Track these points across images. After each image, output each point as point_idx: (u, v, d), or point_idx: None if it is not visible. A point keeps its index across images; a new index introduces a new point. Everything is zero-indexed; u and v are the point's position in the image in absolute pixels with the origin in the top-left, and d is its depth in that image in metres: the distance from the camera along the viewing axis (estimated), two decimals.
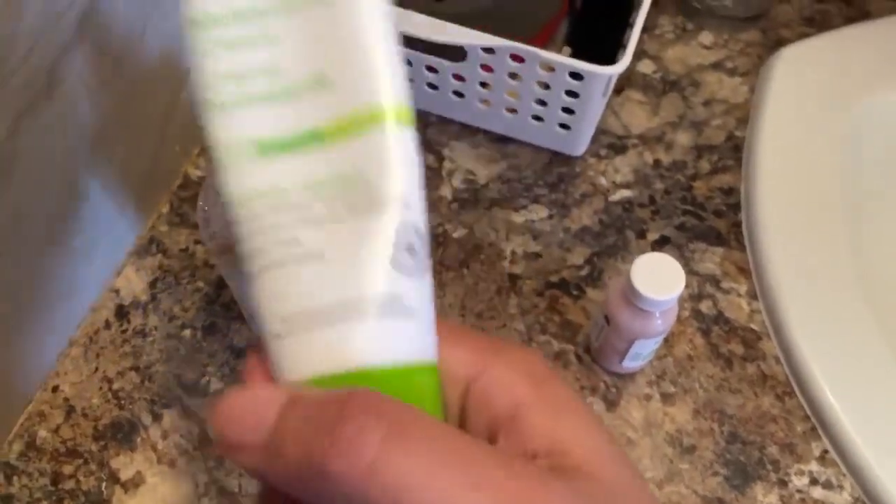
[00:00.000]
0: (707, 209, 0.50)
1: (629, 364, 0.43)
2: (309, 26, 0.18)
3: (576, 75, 0.45)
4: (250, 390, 0.17)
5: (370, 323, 0.17)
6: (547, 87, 0.47)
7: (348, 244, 0.18)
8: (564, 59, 0.44)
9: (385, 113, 0.18)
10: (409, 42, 0.46)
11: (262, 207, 0.18)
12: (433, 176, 0.52)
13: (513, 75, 0.47)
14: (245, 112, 0.18)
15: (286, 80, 0.18)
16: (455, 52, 0.47)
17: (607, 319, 0.41)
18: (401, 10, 0.46)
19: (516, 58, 0.46)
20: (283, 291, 0.18)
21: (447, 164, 0.52)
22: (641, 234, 0.50)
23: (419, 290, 0.18)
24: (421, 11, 0.47)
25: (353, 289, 0.17)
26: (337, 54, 0.18)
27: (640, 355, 0.43)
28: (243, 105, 0.18)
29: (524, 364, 0.18)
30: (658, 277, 0.38)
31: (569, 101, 0.47)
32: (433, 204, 0.51)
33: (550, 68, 0.45)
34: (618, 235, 0.50)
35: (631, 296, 0.38)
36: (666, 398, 0.44)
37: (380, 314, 0.17)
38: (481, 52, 0.46)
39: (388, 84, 0.18)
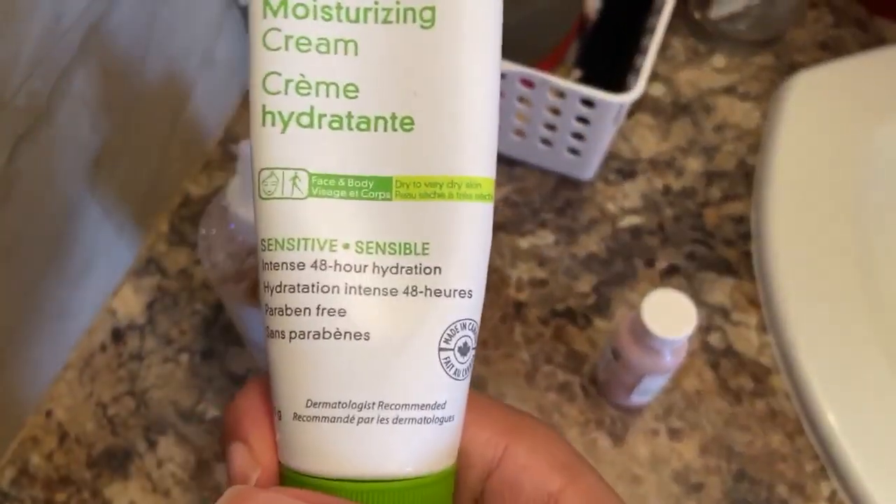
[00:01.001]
0: (717, 238, 0.50)
1: (637, 399, 0.42)
2: (402, 47, 0.15)
3: (587, 102, 0.44)
4: (253, 494, 0.14)
5: (406, 430, 0.15)
6: (557, 112, 0.46)
7: (400, 329, 0.15)
8: (575, 86, 0.43)
9: (471, 186, 0.15)
10: None
11: (307, 258, 0.15)
12: None
13: (522, 99, 0.46)
14: (305, 134, 0.15)
15: (362, 106, 0.15)
16: None
17: (615, 354, 0.40)
18: None
19: (526, 82, 0.45)
20: (317, 370, 0.15)
21: None
22: (650, 263, 0.49)
23: (461, 395, 0.16)
24: None
25: (396, 388, 0.15)
26: (429, 95, 0.15)
27: (649, 390, 0.42)
28: (304, 125, 0.15)
29: (552, 450, 0.17)
30: (670, 315, 0.37)
31: (579, 126, 0.46)
32: None
33: (561, 94, 0.44)
34: (626, 263, 0.49)
35: (641, 333, 0.37)
36: (673, 434, 0.43)
37: (419, 421, 0.15)
38: None
39: (482, 153, 0.15)
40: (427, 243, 0.15)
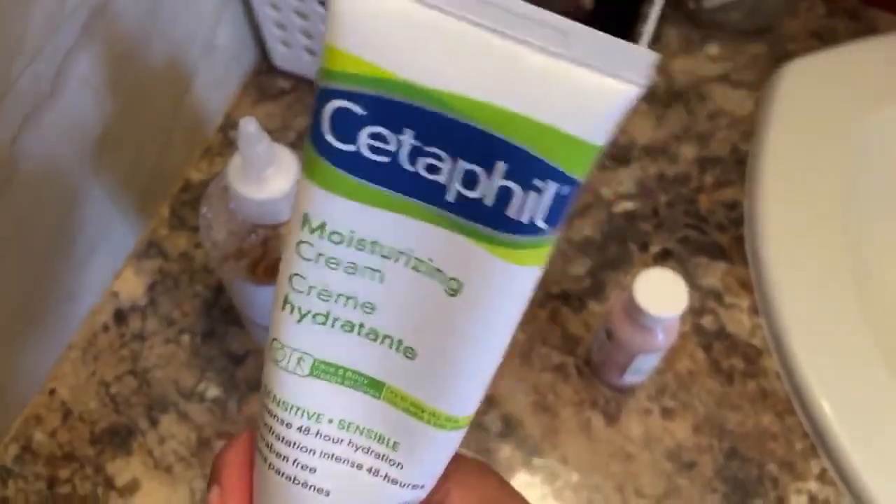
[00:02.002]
0: (710, 223, 0.50)
1: (630, 378, 0.43)
2: (424, 296, 0.16)
3: None
4: None
5: None
6: None
7: (354, 496, 0.18)
8: None
9: (449, 420, 0.17)
10: None
11: (295, 421, 0.18)
12: None
13: None
14: (316, 329, 0.17)
15: (375, 322, 0.17)
16: None
17: (609, 334, 0.41)
18: None
19: None
20: None
21: None
22: (644, 247, 0.49)
23: None
24: None
25: None
26: (438, 342, 0.16)
27: (641, 370, 0.42)
28: (318, 322, 0.17)
29: (479, 489, 0.19)
30: (661, 294, 0.37)
31: None
32: None
33: None
34: (620, 247, 0.49)
35: (634, 312, 0.38)
36: (666, 413, 0.44)
37: None
38: None
39: (469, 401, 0.17)
40: (398, 443, 0.18)
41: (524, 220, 0.15)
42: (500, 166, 0.14)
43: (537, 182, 0.14)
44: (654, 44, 0.57)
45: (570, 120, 0.14)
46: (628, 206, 0.51)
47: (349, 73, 0.14)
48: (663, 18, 0.58)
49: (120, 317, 0.47)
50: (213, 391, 0.44)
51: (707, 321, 0.47)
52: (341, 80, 0.14)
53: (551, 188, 0.14)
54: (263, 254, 0.36)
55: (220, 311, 0.47)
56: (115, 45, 0.40)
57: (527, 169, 0.14)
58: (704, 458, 0.43)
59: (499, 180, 0.14)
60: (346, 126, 0.15)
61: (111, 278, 0.47)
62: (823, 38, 0.57)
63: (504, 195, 0.14)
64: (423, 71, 0.14)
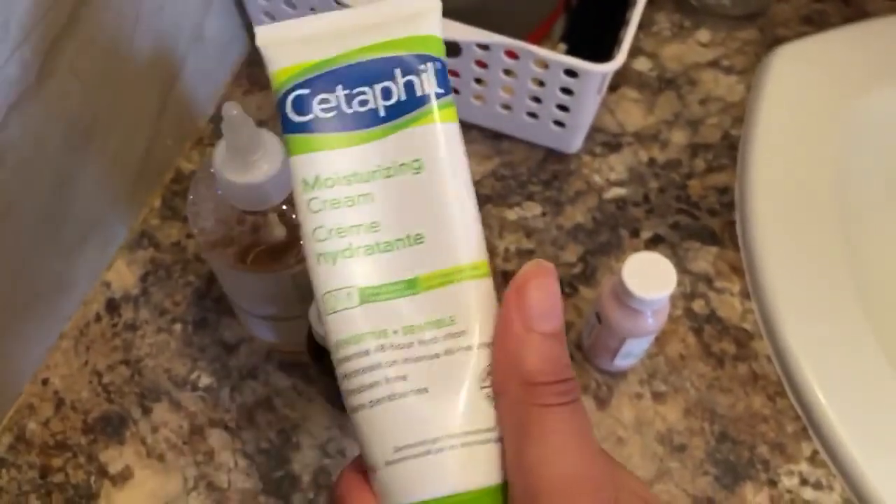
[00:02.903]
0: (701, 208, 0.50)
1: (621, 362, 0.43)
2: (404, 190, 0.21)
3: (570, 72, 0.45)
4: None
5: (470, 451, 0.20)
6: (541, 84, 0.47)
7: (449, 380, 0.21)
8: (558, 56, 0.44)
9: (473, 268, 0.21)
10: None
11: (370, 345, 0.21)
12: None
13: (507, 72, 0.47)
14: (349, 263, 0.21)
15: (386, 236, 0.21)
16: (450, 48, 0.46)
17: (599, 318, 0.41)
18: None
19: (510, 54, 0.45)
20: (396, 423, 0.20)
21: None
22: (635, 233, 0.49)
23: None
24: None
25: (456, 421, 0.20)
26: (428, 217, 0.21)
27: (632, 354, 0.42)
28: (347, 257, 0.21)
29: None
30: (650, 276, 0.38)
31: (563, 98, 0.47)
32: None
33: (545, 65, 0.45)
34: (611, 233, 0.49)
35: (622, 295, 0.38)
36: (657, 397, 0.44)
37: (481, 442, 0.20)
38: (476, 48, 0.46)
39: (471, 246, 0.21)
40: (452, 315, 0.21)
41: (428, 92, 0.21)
42: (398, 72, 0.21)
43: (422, 68, 0.21)
44: (646, 30, 0.57)
45: (416, 27, 0.22)
46: (620, 192, 0.51)
47: (288, 76, 0.21)
48: (654, 5, 0.58)
49: (112, 306, 0.47)
50: (205, 379, 0.45)
51: (698, 305, 0.47)
52: (287, 83, 0.21)
53: (431, 68, 0.21)
54: (253, 241, 0.36)
55: (212, 301, 0.47)
56: (101, 34, 0.40)
57: (412, 65, 0.21)
58: (696, 441, 0.43)
59: (401, 81, 0.21)
60: (302, 105, 0.21)
61: (103, 268, 0.48)
62: (814, 23, 0.57)
63: (409, 87, 0.21)
64: (326, 48, 0.21)
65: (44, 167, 0.40)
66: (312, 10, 0.49)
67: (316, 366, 0.38)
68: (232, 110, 0.30)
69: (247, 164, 0.32)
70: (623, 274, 0.38)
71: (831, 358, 0.44)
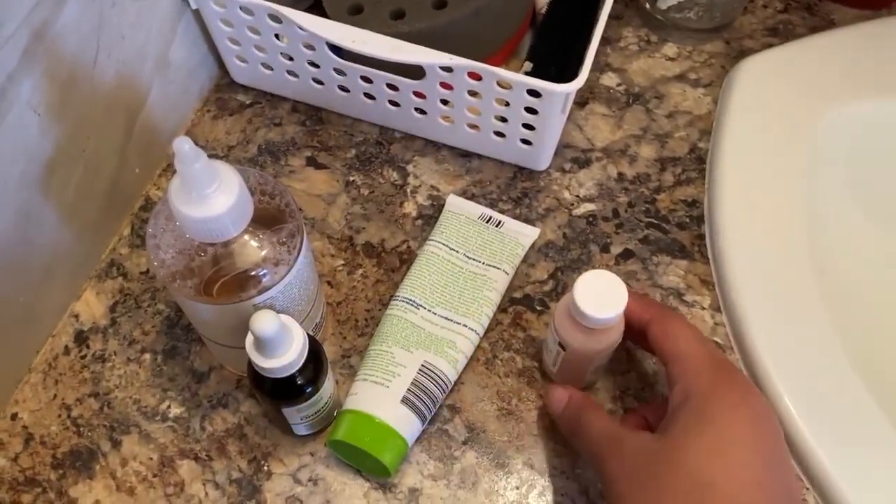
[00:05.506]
0: (671, 222, 0.50)
1: (589, 378, 0.43)
2: None
3: (534, 92, 0.45)
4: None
5: None
6: (506, 104, 0.47)
7: None
8: (520, 77, 0.44)
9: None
10: (370, 60, 0.46)
11: None
12: (397, 192, 0.52)
13: (472, 93, 0.47)
14: None
15: None
16: (415, 70, 0.47)
17: (562, 346, 0.40)
18: (358, 29, 0.46)
19: (474, 76, 0.46)
20: None
21: (411, 181, 0.52)
22: (605, 248, 0.49)
23: None
24: (380, 28, 0.47)
25: None
26: None
27: (599, 367, 0.42)
28: None
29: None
30: (601, 294, 0.37)
31: (529, 117, 0.47)
32: (397, 221, 0.50)
33: (508, 86, 0.45)
34: (582, 249, 0.49)
35: (582, 319, 0.38)
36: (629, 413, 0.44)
37: None
38: (440, 71, 0.46)
39: None
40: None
41: None
42: None
43: None
44: (613, 45, 0.57)
45: None
46: (589, 207, 0.51)
47: None
48: (621, 20, 0.59)
49: (81, 338, 0.46)
50: (175, 409, 0.44)
51: None
52: None
53: None
54: (214, 273, 0.36)
55: (181, 329, 0.47)
56: (58, 67, 0.40)
57: None
58: None
59: None
60: None
61: (72, 299, 0.47)
62: (780, 34, 0.58)
63: None
64: None
65: (7, 201, 0.39)
66: (276, 36, 0.49)
67: (258, 392, 0.38)
68: (184, 145, 0.30)
69: (202, 198, 0.32)
70: (576, 297, 0.37)
71: (802, 371, 0.44)
